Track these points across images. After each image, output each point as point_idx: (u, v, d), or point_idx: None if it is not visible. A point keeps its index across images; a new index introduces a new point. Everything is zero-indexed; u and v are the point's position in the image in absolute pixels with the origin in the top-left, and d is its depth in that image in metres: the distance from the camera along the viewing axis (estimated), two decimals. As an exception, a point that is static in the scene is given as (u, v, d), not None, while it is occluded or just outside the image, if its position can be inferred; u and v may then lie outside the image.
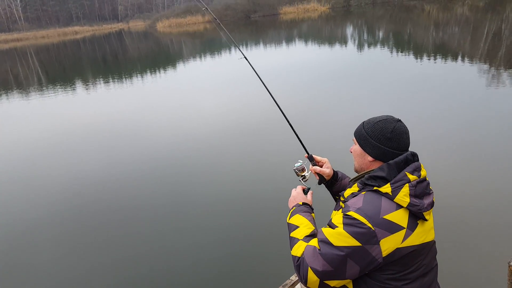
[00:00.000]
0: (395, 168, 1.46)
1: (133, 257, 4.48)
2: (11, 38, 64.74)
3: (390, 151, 1.52)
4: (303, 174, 2.00)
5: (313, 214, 1.78)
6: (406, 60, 14.86)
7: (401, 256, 1.41)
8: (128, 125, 9.87)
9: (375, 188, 1.46)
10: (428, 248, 1.51)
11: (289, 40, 26.91)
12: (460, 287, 3.52)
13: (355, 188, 1.57)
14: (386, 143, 1.52)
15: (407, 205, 1.41)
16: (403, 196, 1.41)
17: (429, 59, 14.35)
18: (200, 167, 6.67)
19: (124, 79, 18.07)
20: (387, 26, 28.14)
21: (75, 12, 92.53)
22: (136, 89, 15.13)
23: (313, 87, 11.77)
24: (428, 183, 1.53)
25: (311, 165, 2.00)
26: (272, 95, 2.43)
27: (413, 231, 1.42)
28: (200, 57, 23.44)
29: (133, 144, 8.27)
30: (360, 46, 19.95)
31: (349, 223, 1.40)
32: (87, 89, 16.29)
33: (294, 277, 2.99)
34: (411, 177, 1.45)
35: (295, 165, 2.01)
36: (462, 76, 11.27)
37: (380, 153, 1.54)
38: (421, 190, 1.46)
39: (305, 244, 1.54)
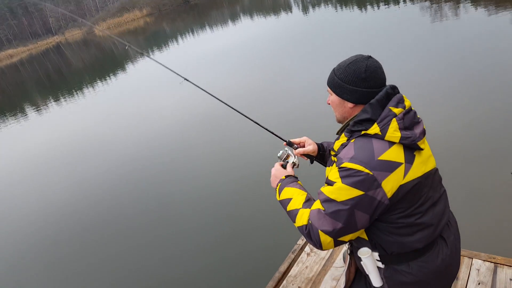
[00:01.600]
0: (378, 106, 1.40)
1: (118, 263, 4.44)
2: None
3: (369, 91, 1.43)
4: (290, 161, 1.89)
5: (299, 182, 1.72)
6: (351, 13, 15.00)
7: (406, 191, 1.36)
8: (92, 139, 9.49)
9: (363, 132, 1.40)
10: (431, 177, 1.47)
11: (234, 17, 26.50)
12: (469, 210, 3.60)
13: (343, 138, 1.50)
14: (362, 84, 1.43)
15: (400, 139, 1.36)
16: (393, 132, 1.36)
17: (372, 8, 14.57)
18: (175, 171, 6.46)
19: (75, 94, 17.28)
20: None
21: (4, 34, 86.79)
22: (89, 101, 14.53)
23: (269, 64, 11.56)
24: (415, 112, 1.47)
25: (293, 149, 1.91)
26: (228, 103, 2.26)
27: (412, 164, 1.37)
28: (148, 54, 22.71)
29: (103, 157, 7.99)
30: (305, 9, 19.93)
31: (347, 175, 1.35)
32: (39, 112, 15.49)
33: (300, 241, 3.06)
34: (396, 110, 1.39)
35: (278, 155, 1.91)
36: (406, 16, 11.55)
37: (359, 96, 1.45)
38: (410, 120, 1.41)
39: (307, 210, 1.49)
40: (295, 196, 1.59)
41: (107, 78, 18.82)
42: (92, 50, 37.76)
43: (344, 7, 17.10)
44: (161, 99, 11.09)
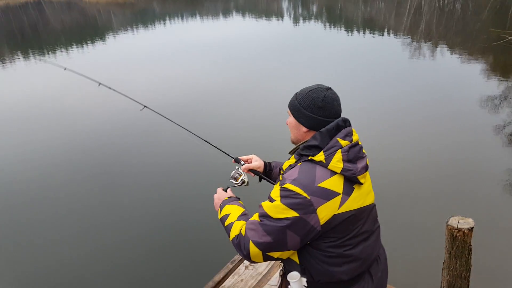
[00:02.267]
0: (327, 136, 1.47)
1: (71, 254, 4.28)
2: None
3: (323, 120, 1.51)
4: (240, 178, 1.97)
5: (240, 201, 1.79)
6: (338, 34, 15.44)
7: (339, 222, 1.42)
8: (49, 105, 9.13)
9: (310, 157, 1.47)
10: (368, 212, 1.52)
11: (226, 13, 26.46)
12: (401, 248, 3.74)
13: (292, 160, 1.58)
14: (318, 112, 1.51)
15: (341, 170, 1.41)
16: (336, 162, 1.42)
17: (358, 32, 15.09)
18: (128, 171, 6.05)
19: (46, 54, 16.60)
20: (320, 1, 28.75)
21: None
22: (59, 64, 14.01)
23: (247, 64, 11.62)
24: (361, 147, 1.54)
25: (241, 166, 1.98)
26: (183, 125, 2.31)
27: (349, 196, 1.43)
28: (132, 29, 22.25)
29: (52, 128, 7.64)
30: (295, 21, 20.26)
31: (286, 195, 1.40)
32: (3, 64, 14.78)
33: (237, 257, 3.08)
34: (343, 142, 1.45)
35: (230, 174, 1.98)
36: (388, 48, 12.05)
37: (313, 123, 1.53)
38: (354, 154, 1.47)
39: (241, 222, 1.57)
40: (233, 211, 1.68)
41: (84, 45, 18.21)
42: (75, 14, 36.39)
43: (332, 26, 17.57)
44: (134, 76, 10.89)
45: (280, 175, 1.58)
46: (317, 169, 1.43)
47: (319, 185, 1.39)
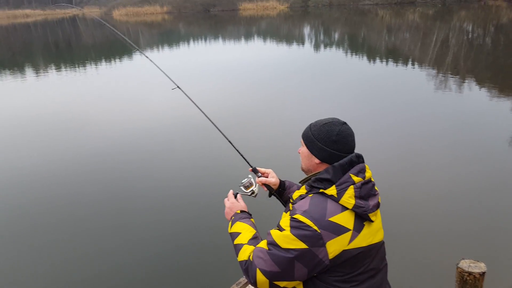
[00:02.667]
0: (339, 170, 1.48)
1: (75, 257, 4.30)
2: (-45, 18, 59.70)
3: (336, 154, 1.53)
4: (251, 188, 1.98)
5: (252, 219, 1.80)
6: (360, 62, 15.47)
7: (348, 258, 1.42)
8: (75, 116, 9.43)
9: (321, 190, 1.47)
10: (376, 249, 1.53)
11: (248, 36, 27.03)
12: (409, 280, 3.62)
13: (303, 190, 1.60)
14: (332, 145, 1.54)
15: (353, 207, 1.42)
16: (348, 198, 1.43)
17: (381, 62, 15.05)
18: (143, 167, 6.38)
19: (77, 67, 17.27)
20: (342, 29, 29.08)
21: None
22: (89, 78, 14.54)
23: (265, 87, 11.71)
24: (373, 184, 1.55)
25: (257, 177, 1.99)
26: (209, 116, 2.38)
27: (359, 232, 1.43)
28: (158, 48, 22.93)
29: (75, 137, 7.90)
30: (316, 47, 20.48)
31: (296, 226, 1.41)
32: (37, 75, 15.42)
33: (243, 279, 3.02)
34: (356, 179, 1.46)
35: (242, 181, 2.00)
36: (412, 80, 11.92)
37: (326, 155, 1.55)
38: (366, 191, 1.48)
39: (250, 247, 1.57)
40: (244, 231, 1.69)
41: (112, 61, 18.88)
42: (105, 31, 37.84)
43: (354, 54, 17.64)
44: (149, 98, 11.12)
45: (290, 204, 1.60)
46: (328, 203, 1.44)
47: (330, 219, 1.40)
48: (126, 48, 23.91)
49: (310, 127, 1.64)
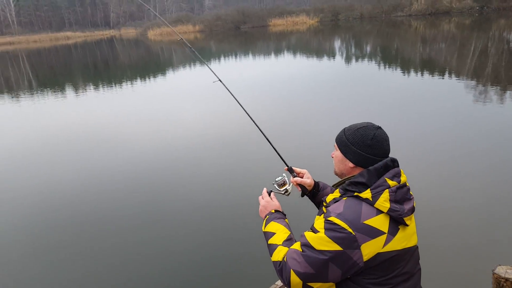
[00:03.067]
0: (375, 174, 1.49)
1: (115, 266, 4.38)
2: (4, 42, 64.67)
3: (371, 158, 1.54)
4: (284, 187, 1.98)
5: (286, 219, 1.81)
6: (393, 74, 15.12)
7: (382, 261, 1.42)
8: (112, 132, 9.78)
9: (355, 193, 1.48)
10: (410, 253, 1.52)
11: (278, 51, 27.19)
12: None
13: (336, 193, 1.60)
14: (367, 150, 1.55)
15: (388, 210, 1.43)
16: (383, 202, 1.43)
17: (416, 73, 14.64)
18: (179, 179, 6.55)
19: (113, 86, 17.98)
20: (374, 41, 28.67)
21: (67, 17, 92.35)
22: (124, 96, 15.05)
23: (298, 99, 11.80)
24: (408, 189, 1.55)
25: (291, 177, 2.02)
26: (248, 112, 2.44)
27: (394, 236, 1.44)
28: (190, 66, 23.48)
29: (115, 152, 8.15)
30: (347, 59, 20.25)
31: (330, 228, 1.42)
32: (76, 94, 16.14)
33: (279, 282, 3.00)
34: (391, 182, 1.47)
35: (276, 179, 2.01)
36: (449, 91, 11.49)
37: (360, 159, 1.57)
38: (401, 195, 1.48)
39: (285, 248, 1.58)
40: (279, 232, 1.69)
41: (147, 79, 19.50)
42: (141, 50, 39.40)
43: (387, 66, 17.27)
44: (185, 110, 11.35)
45: (324, 207, 1.61)
46: (363, 206, 1.45)
47: (364, 222, 1.41)
48: (159, 66, 24.71)
49: (344, 131, 1.65)
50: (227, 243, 4.59)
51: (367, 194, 1.46)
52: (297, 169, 2.04)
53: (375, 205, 1.44)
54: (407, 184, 1.56)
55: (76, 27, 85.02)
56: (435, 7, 43.12)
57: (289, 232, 1.71)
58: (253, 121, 2.39)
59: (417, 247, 1.59)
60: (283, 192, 1.99)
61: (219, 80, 2.74)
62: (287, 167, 2.06)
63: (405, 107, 9.86)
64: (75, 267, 4.41)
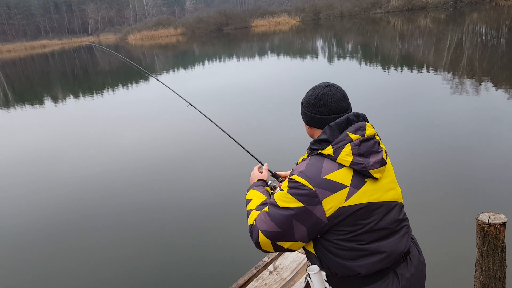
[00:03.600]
0: (336, 130, 1.48)
1: (115, 265, 4.37)
2: (-26, 52, 62.80)
3: (316, 117, 1.56)
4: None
5: (266, 187, 1.86)
6: (374, 71, 15.36)
7: (348, 215, 1.41)
8: (94, 140, 9.68)
9: (319, 151, 1.49)
10: (386, 208, 1.48)
11: (262, 53, 27.26)
12: (431, 248, 3.52)
13: (305, 155, 1.62)
14: (312, 109, 1.57)
15: (350, 163, 1.42)
16: (345, 156, 1.42)
17: (396, 69, 14.92)
18: (161, 190, 6.49)
19: (94, 93, 17.73)
20: (355, 38, 29.02)
21: (43, 25, 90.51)
22: (106, 103, 14.88)
23: (278, 102, 11.84)
24: (376, 142, 1.52)
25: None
26: (223, 128, 2.50)
27: (358, 189, 1.42)
28: (174, 71, 23.34)
29: (101, 160, 8.11)
30: (330, 59, 20.46)
31: (292, 186, 1.45)
32: (55, 104, 15.87)
33: (266, 259, 3.15)
34: (353, 136, 1.46)
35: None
36: (428, 84, 11.76)
37: (309, 119, 1.60)
38: (367, 148, 1.46)
39: (257, 212, 1.60)
40: (255, 198, 1.73)
41: (129, 85, 19.31)
42: (121, 56, 38.83)
43: (368, 63, 17.53)
44: (166, 118, 11.30)
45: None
46: (324, 162, 1.45)
47: (325, 177, 1.41)
48: (141, 72, 24.47)
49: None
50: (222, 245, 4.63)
51: (328, 150, 1.45)
52: (282, 173, 2.07)
53: (337, 160, 1.43)
54: (377, 137, 1.54)
55: (53, 35, 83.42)
56: (411, 3, 43.92)
57: (265, 198, 1.72)
58: (230, 137, 2.42)
59: (399, 204, 1.56)
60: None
61: (190, 104, 2.79)
62: (271, 173, 2.06)
63: (387, 102, 10.04)
64: (74, 265, 4.42)
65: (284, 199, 1.45)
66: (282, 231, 1.45)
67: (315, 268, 1.54)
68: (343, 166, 1.43)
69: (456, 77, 12.51)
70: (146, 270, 4.24)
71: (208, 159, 7.49)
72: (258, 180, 1.90)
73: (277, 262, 3.10)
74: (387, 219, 1.49)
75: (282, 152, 7.24)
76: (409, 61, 16.57)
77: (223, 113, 10.27)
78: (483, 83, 11.26)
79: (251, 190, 1.81)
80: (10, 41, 75.27)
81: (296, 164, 1.64)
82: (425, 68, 14.57)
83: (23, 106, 16.22)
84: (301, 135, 7.92)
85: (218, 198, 5.70)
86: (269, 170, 2.08)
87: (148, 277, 4.13)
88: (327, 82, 1.61)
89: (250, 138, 8.07)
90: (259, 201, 1.69)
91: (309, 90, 1.63)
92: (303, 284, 1.75)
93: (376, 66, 16.57)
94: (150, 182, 6.68)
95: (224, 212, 5.24)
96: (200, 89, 15.11)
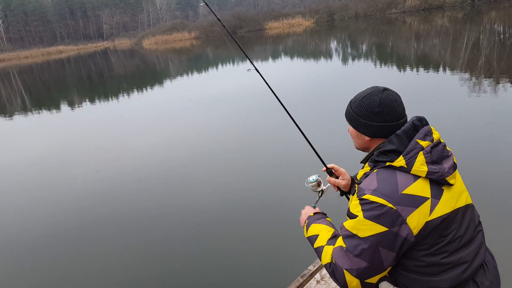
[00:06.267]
0: (405, 138, 1.33)
1: (119, 266, 4.34)
2: (-7, 59, 64.62)
3: (385, 125, 1.40)
4: (320, 188, 1.87)
5: (328, 218, 1.69)
6: (389, 72, 15.12)
7: (432, 228, 1.28)
8: (112, 144, 9.75)
9: (387, 163, 1.33)
10: (462, 213, 1.36)
11: (275, 55, 27.20)
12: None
13: (366, 167, 1.46)
14: (377, 118, 1.40)
15: (426, 174, 1.29)
16: (420, 166, 1.29)
17: (411, 70, 14.65)
18: (210, 177, 6.64)
19: (110, 98, 17.96)
20: (370, 39, 28.70)
21: (59, 31, 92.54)
22: (122, 108, 15.03)
23: (297, 104, 11.79)
24: (444, 145, 1.40)
25: (328, 176, 1.89)
26: (286, 108, 2.31)
27: (439, 199, 1.30)
28: (187, 74, 23.48)
29: (116, 162, 8.15)
30: (344, 60, 20.27)
31: (369, 208, 1.28)
32: (72, 109, 16.11)
33: (311, 267, 3.00)
34: (424, 143, 1.32)
35: (309, 179, 1.88)
36: (443, 86, 11.50)
37: (375, 130, 1.42)
38: (438, 154, 1.34)
39: (331, 247, 1.44)
40: (322, 232, 1.55)
41: (144, 89, 19.49)
42: (136, 61, 39.40)
43: (383, 64, 17.29)
44: (180, 122, 11.32)
45: (356, 185, 1.44)
46: (398, 175, 1.30)
47: (403, 192, 1.26)
48: (156, 76, 24.71)
49: (351, 104, 1.50)
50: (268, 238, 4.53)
51: (400, 161, 1.30)
52: (336, 167, 1.90)
53: (412, 172, 1.29)
54: (442, 141, 1.41)
55: (69, 41, 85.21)
56: (428, 2, 43.23)
57: (333, 230, 1.56)
58: (292, 118, 2.24)
59: (471, 206, 1.43)
60: (319, 195, 1.88)
61: (255, 68, 2.62)
62: (325, 168, 1.91)
63: (405, 102, 9.81)
64: (82, 270, 4.38)
65: (363, 226, 1.28)
66: (370, 264, 1.29)
67: (386, 285, 1.39)
68: (419, 177, 1.30)
69: (474, 77, 12.22)
70: (167, 276, 4.17)
71: (267, 144, 7.65)
72: (314, 213, 1.71)
73: (324, 271, 2.95)
74: (465, 224, 1.36)
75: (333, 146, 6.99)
76: (425, 61, 16.26)
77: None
78: (501, 83, 10.95)
79: (312, 225, 1.62)
80: (27, 48, 77.22)
81: (356, 178, 1.51)
82: (441, 68, 14.27)
83: (40, 111, 16.51)
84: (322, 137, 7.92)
85: (257, 201, 5.46)
86: (324, 164, 1.91)
87: (189, 279, 4.07)
88: (379, 86, 1.46)
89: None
90: (328, 235, 1.52)
91: (361, 98, 1.45)
92: None
93: (391, 66, 16.32)
94: (163, 187, 6.64)
95: (267, 216, 4.97)
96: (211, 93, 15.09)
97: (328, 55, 23.08)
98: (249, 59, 2.67)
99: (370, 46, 25.00)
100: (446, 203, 1.31)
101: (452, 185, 1.35)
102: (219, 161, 7.42)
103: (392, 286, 1.39)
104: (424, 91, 11.11)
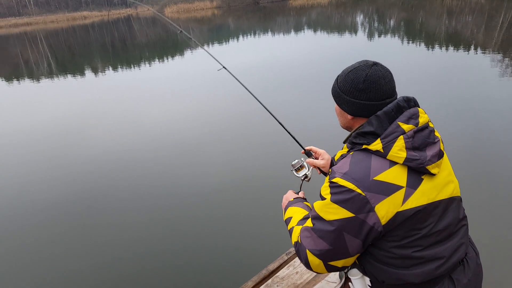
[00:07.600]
0: (385, 119, 1.23)
1: (119, 261, 4.28)
2: (21, 22, 65.62)
3: (369, 104, 1.28)
4: (303, 172, 1.84)
5: (307, 202, 1.65)
6: (417, 50, 14.57)
7: (404, 219, 1.19)
8: (131, 114, 9.86)
9: (364, 146, 1.25)
10: (444, 206, 1.26)
11: (298, 28, 26.55)
12: (494, 248, 3.32)
13: (344, 149, 1.39)
14: (361, 95, 1.28)
15: (404, 160, 1.19)
16: (398, 151, 1.19)
17: (441, 48, 14.08)
18: (190, 166, 6.35)
19: (132, 66, 18.05)
20: (398, 14, 27.60)
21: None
22: (143, 75, 15.10)
23: (315, 79, 11.55)
24: (432, 131, 1.27)
25: (308, 158, 1.86)
26: (258, 98, 2.33)
27: (415, 189, 1.19)
28: (208, 45, 23.26)
29: (130, 135, 8.17)
30: (370, 35, 19.60)
31: (336, 192, 1.21)
32: (96, 75, 16.30)
33: (292, 250, 3.05)
34: (406, 126, 1.21)
35: (292, 163, 1.86)
36: (474, 66, 11.04)
37: (356, 108, 1.31)
38: (422, 140, 1.22)
39: (300, 227, 1.40)
40: (295, 214, 1.52)
41: (165, 58, 19.48)
42: (158, 29, 39.21)
43: (410, 41, 16.66)
44: (198, 87, 11.29)
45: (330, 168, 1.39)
46: (372, 160, 1.21)
47: (375, 178, 1.18)
48: (177, 45, 24.58)
49: (337, 79, 1.38)
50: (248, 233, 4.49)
51: (377, 145, 1.21)
52: (314, 148, 1.87)
53: (388, 157, 1.19)
54: (431, 125, 1.28)
55: (93, 6, 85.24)
56: (462, -24, 40.94)
57: (307, 212, 1.51)
58: (264, 106, 2.25)
59: (457, 198, 1.32)
60: (302, 178, 1.84)
61: (224, 67, 2.62)
62: (304, 150, 1.88)
63: (431, 82, 9.52)
64: (87, 244, 4.46)
65: (329, 209, 1.23)
66: (333, 248, 1.25)
67: (356, 272, 1.38)
68: (396, 163, 1.20)
69: (507, 58, 11.66)
70: (172, 255, 4.16)
71: (242, 133, 7.41)
72: (294, 198, 1.67)
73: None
74: (446, 219, 1.27)
75: (315, 132, 6.93)
76: (456, 40, 15.57)
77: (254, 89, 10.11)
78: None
79: (289, 208, 1.59)
80: (53, 12, 77.88)
81: (334, 159, 1.45)
82: (472, 47, 13.65)
83: (66, 77, 16.78)
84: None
85: (250, 182, 5.44)
86: (301, 146, 1.89)
87: (172, 261, 4.06)
88: (369, 60, 1.32)
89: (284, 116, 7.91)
90: (300, 216, 1.47)
91: (347, 72, 1.32)
92: (336, 277, 1.64)
93: (420, 44, 15.71)
94: (174, 162, 6.52)
95: (255, 198, 4.97)
96: (231, 62, 14.96)
97: (353, 29, 22.36)
98: (217, 60, 2.74)
99: (398, 22, 24.05)
100: (423, 194, 1.21)
101: (434, 175, 1.24)
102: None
103: (361, 274, 1.36)
104: (452, 71, 10.71)
